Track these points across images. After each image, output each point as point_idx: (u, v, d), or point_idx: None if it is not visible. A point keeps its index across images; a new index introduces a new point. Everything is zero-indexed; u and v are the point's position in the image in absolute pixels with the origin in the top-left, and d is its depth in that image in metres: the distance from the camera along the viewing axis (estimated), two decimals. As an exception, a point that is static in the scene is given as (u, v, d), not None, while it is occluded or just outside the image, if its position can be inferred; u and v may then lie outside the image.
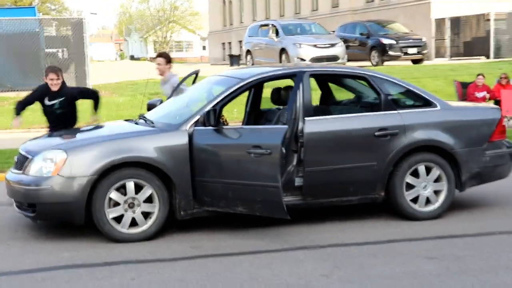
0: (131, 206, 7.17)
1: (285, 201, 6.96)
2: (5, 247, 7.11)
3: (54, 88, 9.20)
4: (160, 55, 10.33)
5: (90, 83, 20.10)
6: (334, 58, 24.36)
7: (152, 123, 7.84)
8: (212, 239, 7.23)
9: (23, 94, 11.24)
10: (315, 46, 24.77)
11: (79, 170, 7.04)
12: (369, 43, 27.76)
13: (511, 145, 8.65)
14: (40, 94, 9.39)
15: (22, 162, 7.61)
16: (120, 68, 34.82)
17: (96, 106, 9.56)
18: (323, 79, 9.25)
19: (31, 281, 5.97)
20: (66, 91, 9.42)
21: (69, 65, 21.38)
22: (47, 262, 6.50)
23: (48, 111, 9.43)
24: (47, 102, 9.30)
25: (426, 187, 8.01)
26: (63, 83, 9.44)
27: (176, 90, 9.12)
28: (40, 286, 5.81)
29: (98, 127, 8.85)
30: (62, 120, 9.32)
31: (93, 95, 9.74)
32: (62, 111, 9.33)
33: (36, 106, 9.66)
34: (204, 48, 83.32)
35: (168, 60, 10.06)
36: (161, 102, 9.05)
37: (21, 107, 9.50)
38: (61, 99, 9.25)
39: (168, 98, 9.17)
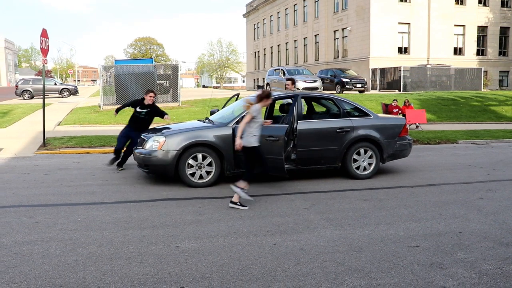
0: (200, 167, 7.17)
1: (286, 167, 6.89)
2: (132, 187, 7.20)
3: (149, 102, 8.60)
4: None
5: (180, 100, 20.08)
6: (315, 88, 23.98)
7: (213, 122, 7.80)
8: (244, 187, 7.19)
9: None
10: (305, 81, 24.39)
11: (172, 147, 7.08)
12: (335, 81, 27.25)
13: (411, 139, 8.57)
14: (135, 103, 8.67)
15: (141, 142, 7.65)
16: (196, 92, 34.79)
17: (162, 117, 8.65)
18: (309, 100, 9.14)
19: (146, 206, 6.03)
20: (153, 106, 8.70)
21: (169, 90, 21.45)
22: (154, 196, 6.56)
23: (136, 115, 8.64)
24: (138, 109, 8.60)
25: (364, 161, 7.90)
26: (154, 101, 8.72)
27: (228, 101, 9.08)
28: (150, 208, 5.86)
29: (182, 123, 8.77)
30: (142, 123, 8.59)
31: (161, 114, 8.65)
32: (145, 117, 8.60)
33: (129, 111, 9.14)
34: (243, 81, 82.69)
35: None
36: (218, 110, 8.95)
37: (120, 108, 9.05)
38: (147, 110, 8.59)
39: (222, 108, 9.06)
